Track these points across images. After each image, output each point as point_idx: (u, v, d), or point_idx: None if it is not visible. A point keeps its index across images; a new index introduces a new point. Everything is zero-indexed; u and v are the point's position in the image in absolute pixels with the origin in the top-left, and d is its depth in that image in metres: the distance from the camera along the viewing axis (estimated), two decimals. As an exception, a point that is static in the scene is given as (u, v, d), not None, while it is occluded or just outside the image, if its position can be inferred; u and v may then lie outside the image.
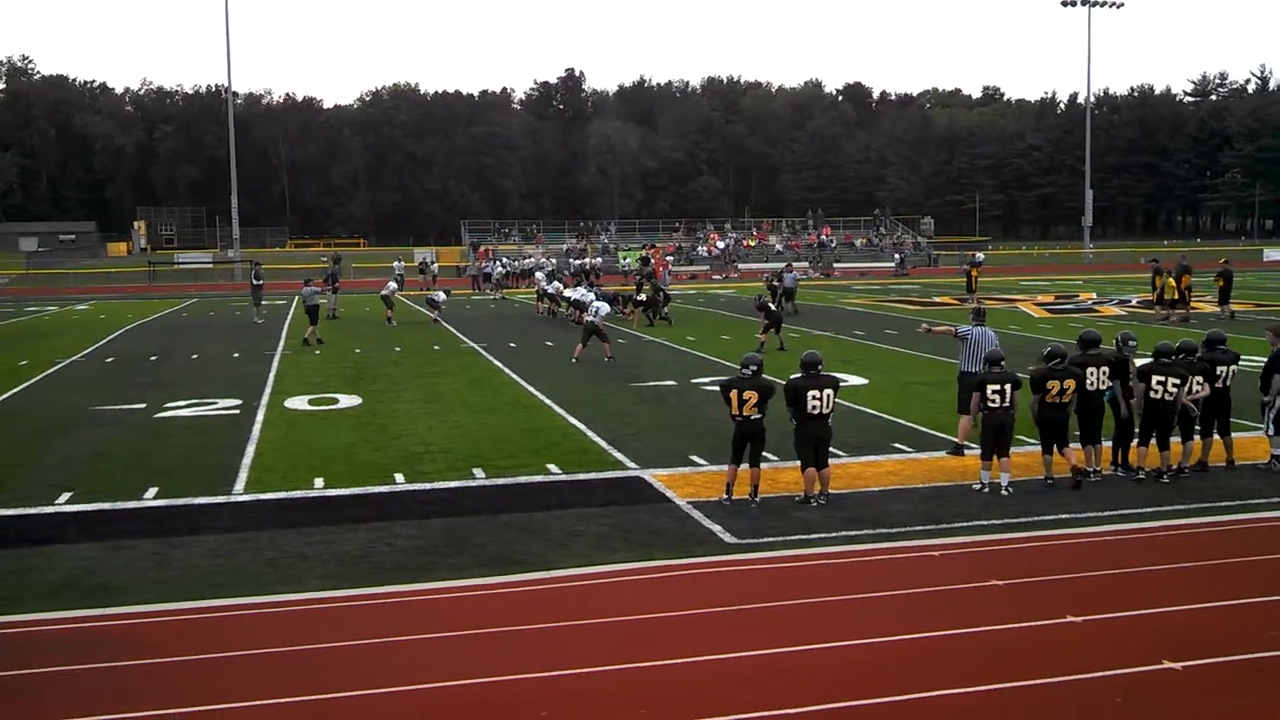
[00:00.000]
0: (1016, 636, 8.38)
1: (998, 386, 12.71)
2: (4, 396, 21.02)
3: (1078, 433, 13.43)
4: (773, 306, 28.17)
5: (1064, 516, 11.77)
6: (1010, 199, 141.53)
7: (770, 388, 12.36)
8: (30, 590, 9.72)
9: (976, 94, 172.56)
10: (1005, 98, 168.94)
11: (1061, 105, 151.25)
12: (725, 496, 12.36)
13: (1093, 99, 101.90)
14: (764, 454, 12.57)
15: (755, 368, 12.33)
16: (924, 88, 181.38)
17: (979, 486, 12.81)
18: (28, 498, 12.98)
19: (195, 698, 7.40)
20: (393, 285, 38.46)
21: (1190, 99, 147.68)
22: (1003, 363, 12.99)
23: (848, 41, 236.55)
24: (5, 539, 11.31)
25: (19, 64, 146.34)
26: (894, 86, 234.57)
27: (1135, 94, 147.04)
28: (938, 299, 45.01)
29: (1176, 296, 33.10)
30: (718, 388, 13.32)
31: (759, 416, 12.20)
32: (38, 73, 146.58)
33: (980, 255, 77.46)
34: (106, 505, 12.62)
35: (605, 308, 26.79)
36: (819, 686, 7.47)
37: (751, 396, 12.14)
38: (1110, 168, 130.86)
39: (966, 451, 14.47)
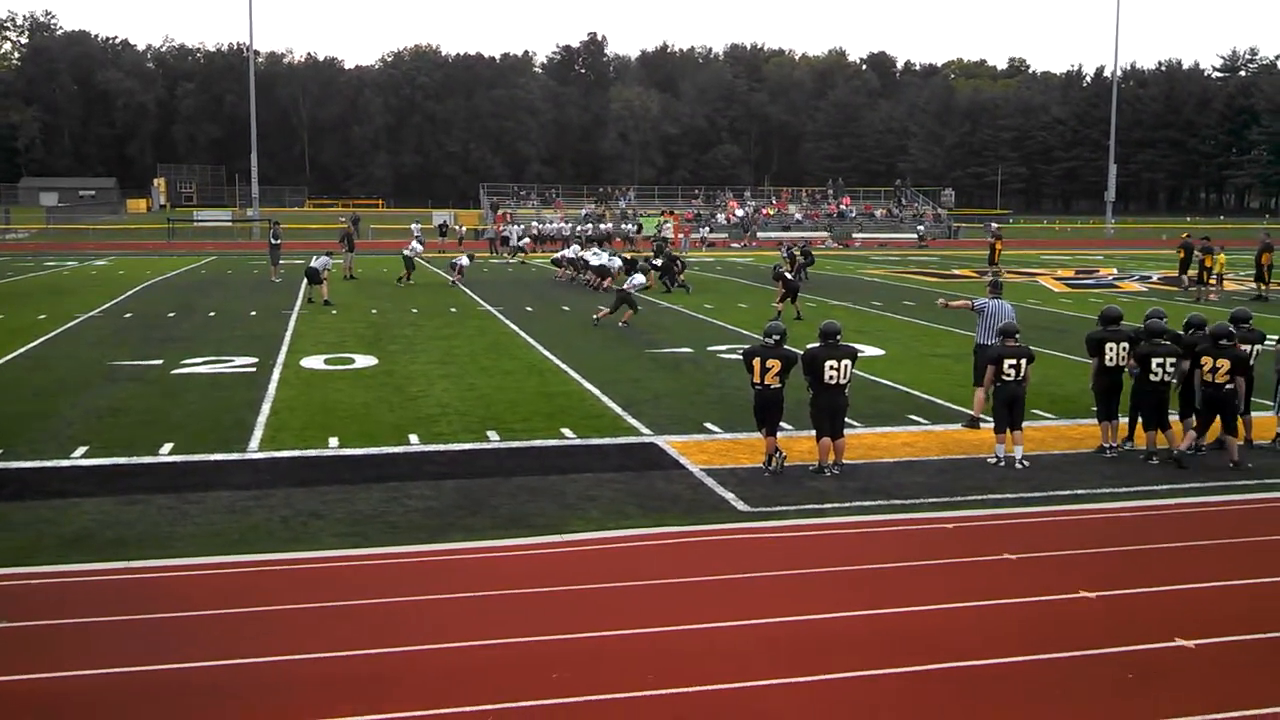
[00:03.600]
0: (1028, 611, 8.36)
1: (1014, 360, 12.64)
2: (22, 350, 21.12)
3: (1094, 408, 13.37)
4: (789, 276, 28.09)
5: (1080, 492, 11.72)
6: (1033, 172, 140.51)
7: (793, 357, 12.32)
8: (46, 542, 9.79)
9: (1002, 65, 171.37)
10: (1031, 70, 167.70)
11: (1087, 78, 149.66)
12: (766, 468, 12.30)
13: (1119, 73, 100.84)
14: (780, 423, 12.52)
15: (779, 336, 12.29)
16: (949, 58, 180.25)
17: (994, 460, 12.76)
18: (45, 451, 13.06)
19: (209, 652, 7.45)
20: (417, 246, 38.35)
21: (1219, 74, 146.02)
22: (1017, 335, 12.90)
23: (872, 10, 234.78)
24: (23, 492, 11.38)
25: (41, 19, 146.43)
26: (918, 56, 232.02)
27: (1162, 69, 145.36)
28: (957, 271, 44.77)
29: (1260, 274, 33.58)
30: (740, 356, 13.27)
31: (779, 386, 12.17)
32: (60, 28, 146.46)
33: (995, 225, 77.20)
34: (123, 460, 12.68)
35: (641, 279, 26.76)
36: (828, 656, 7.47)
37: (774, 365, 12.12)
38: (1135, 142, 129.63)
39: (983, 424, 14.42)
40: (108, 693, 6.90)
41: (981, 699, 6.90)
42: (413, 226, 61.68)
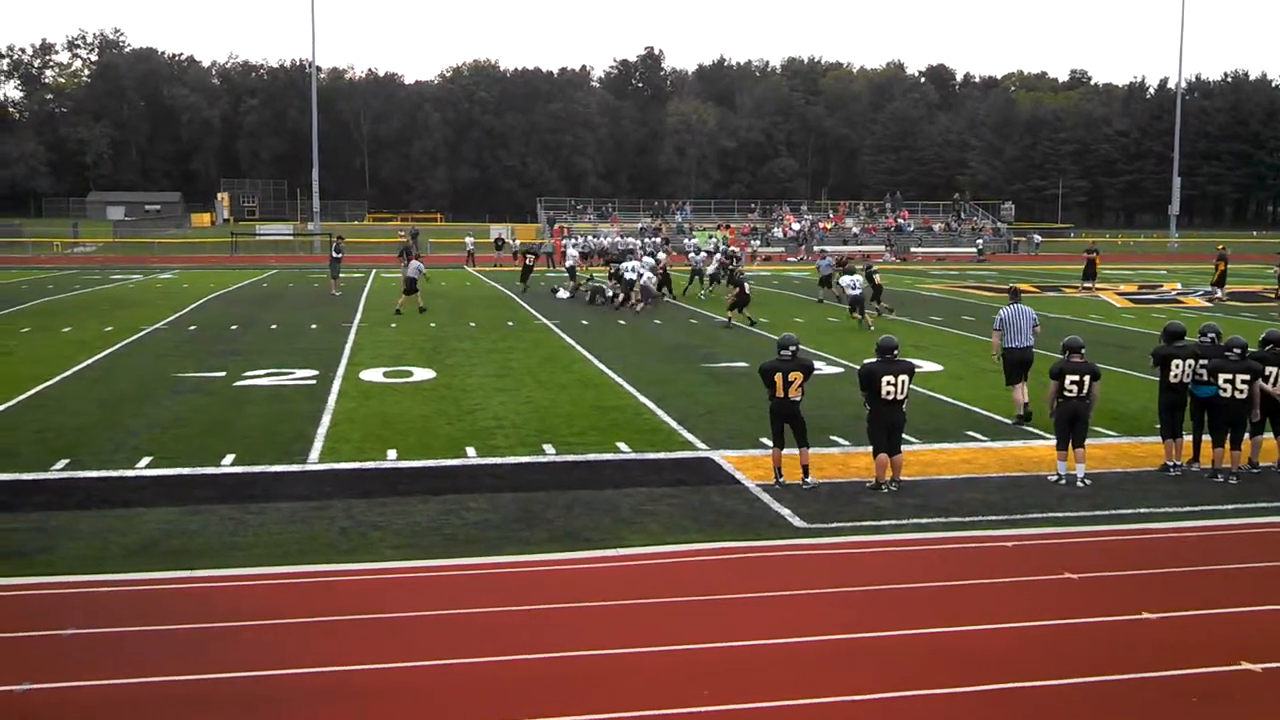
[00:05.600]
0: (1089, 631, 8.24)
1: (1076, 377, 12.44)
2: (89, 361, 21.54)
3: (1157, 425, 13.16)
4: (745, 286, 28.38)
5: (1142, 511, 11.53)
6: (1095, 185, 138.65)
7: (811, 366, 12.42)
8: (111, 551, 9.97)
9: (1063, 77, 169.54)
10: (1092, 82, 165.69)
11: (1151, 90, 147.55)
12: (777, 480, 12.31)
13: (1184, 84, 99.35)
14: (834, 438, 12.45)
15: (794, 348, 12.27)
16: (1009, 70, 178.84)
17: (1055, 478, 12.58)
18: (110, 461, 13.31)
19: (269, 662, 7.54)
20: (648, 274, 38.17)
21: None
22: (1083, 351, 12.68)
23: (931, 22, 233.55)
24: (89, 501, 11.60)
25: (110, 37, 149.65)
26: (978, 69, 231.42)
27: (1228, 79, 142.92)
28: (1017, 286, 44.21)
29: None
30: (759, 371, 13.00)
31: (799, 398, 12.15)
32: (128, 45, 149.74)
33: (1038, 237, 77.12)
34: (186, 470, 12.89)
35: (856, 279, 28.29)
36: (884, 674, 7.41)
37: (797, 378, 12.12)
38: (1200, 155, 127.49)
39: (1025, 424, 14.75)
40: (168, 700, 7.00)
41: (1041, 721, 6.81)
42: (466, 240, 62.30)
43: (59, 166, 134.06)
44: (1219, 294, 36.94)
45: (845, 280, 28.28)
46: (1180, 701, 7.04)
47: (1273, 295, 33.34)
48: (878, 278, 31.36)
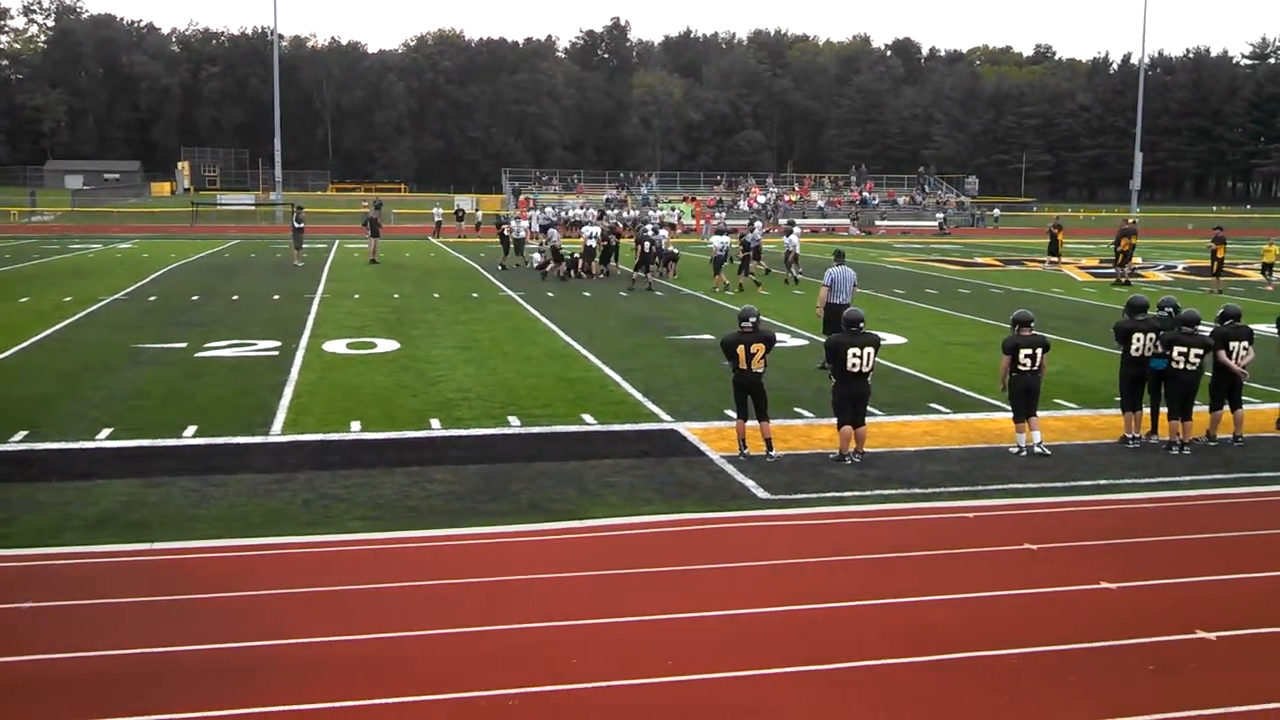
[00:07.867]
0: (1048, 601, 8.33)
1: (1030, 350, 12.54)
2: (48, 332, 21.27)
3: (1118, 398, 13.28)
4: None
5: (1101, 482, 11.66)
6: (1058, 160, 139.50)
7: (773, 338, 12.47)
8: (71, 523, 9.87)
9: (1028, 52, 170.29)
10: (1057, 56, 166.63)
11: (1114, 66, 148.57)
12: (741, 452, 12.34)
13: (1147, 60, 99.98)
14: (799, 410, 12.49)
15: (755, 319, 12.27)
16: (974, 44, 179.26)
17: (1015, 450, 12.70)
18: (70, 433, 13.16)
19: (230, 634, 7.50)
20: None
21: (1248, 62, 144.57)
22: (1032, 324, 12.78)
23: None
24: (48, 473, 11.47)
25: (68, 3, 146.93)
26: (944, 43, 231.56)
27: (1190, 56, 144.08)
28: (980, 259, 44.53)
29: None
30: (720, 344, 12.94)
31: (762, 370, 12.19)
32: (86, 11, 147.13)
33: (997, 211, 77.63)
34: (146, 442, 12.77)
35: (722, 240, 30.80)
36: (846, 644, 7.47)
37: (759, 349, 12.15)
38: (1161, 130, 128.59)
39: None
40: (129, 673, 6.96)
41: (1000, 689, 6.89)
42: (434, 211, 61.95)
43: (15, 134, 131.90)
44: (1124, 272, 35.20)
45: (715, 241, 31.05)
46: (1137, 670, 7.14)
47: (1213, 272, 33.38)
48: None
